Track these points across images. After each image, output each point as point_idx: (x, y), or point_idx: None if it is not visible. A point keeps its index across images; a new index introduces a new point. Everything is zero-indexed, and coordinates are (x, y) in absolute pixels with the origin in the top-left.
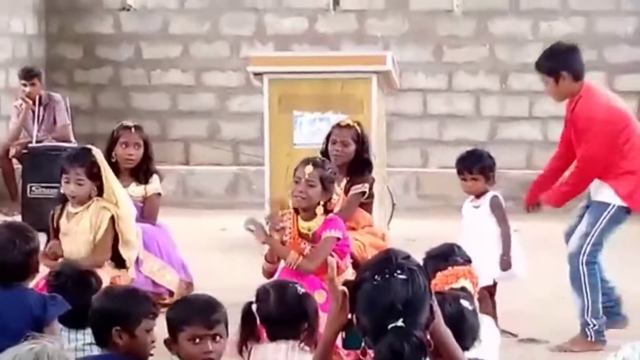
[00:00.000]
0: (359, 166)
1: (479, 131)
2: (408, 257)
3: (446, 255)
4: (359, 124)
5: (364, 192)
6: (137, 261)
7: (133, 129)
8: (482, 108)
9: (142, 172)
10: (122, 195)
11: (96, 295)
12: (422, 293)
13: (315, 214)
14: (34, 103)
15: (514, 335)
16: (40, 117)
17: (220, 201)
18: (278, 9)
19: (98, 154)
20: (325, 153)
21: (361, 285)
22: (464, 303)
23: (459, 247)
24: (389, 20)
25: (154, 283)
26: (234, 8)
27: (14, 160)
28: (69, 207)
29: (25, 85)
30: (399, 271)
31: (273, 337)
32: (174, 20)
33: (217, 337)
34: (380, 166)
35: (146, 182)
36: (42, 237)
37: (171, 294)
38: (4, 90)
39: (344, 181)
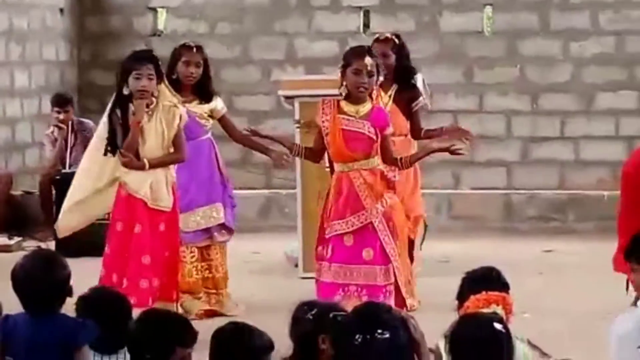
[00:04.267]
0: (402, 74)
1: (511, 152)
2: (389, 310)
3: (482, 280)
4: (397, 35)
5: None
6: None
7: (195, 49)
8: (513, 129)
9: (203, 90)
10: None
11: (133, 320)
12: (403, 350)
13: (366, 99)
14: (67, 129)
15: (548, 356)
16: (72, 144)
17: (252, 224)
18: (308, 32)
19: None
20: None
21: (342, 340)
22: (497, 326)
23: (498, 272)
24: (419, 42)
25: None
26: (264, 32)
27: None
28: (133, 107)
29: (59, 112)
30: (380, 329)
31: None
32: (204, 45)
33: None
34: None
35: (208, 101)
36: (75, 263)
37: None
38: (37, 117)
39: (393, 89)
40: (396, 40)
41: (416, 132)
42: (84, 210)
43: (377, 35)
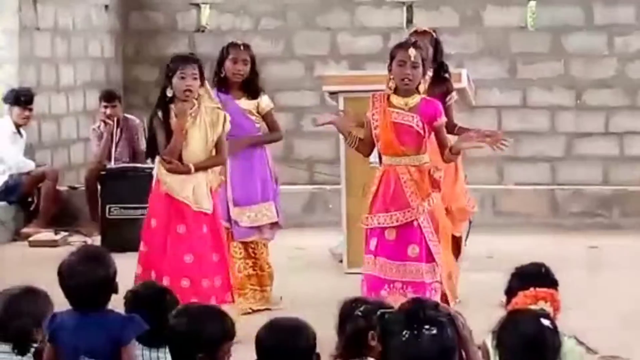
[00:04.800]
0: (437, 68)
1: (555, 147)
2: (437, 306)
3: (531, 276)
4: (433, 29)
5: (455, 100)
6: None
7: (242, 47)
8: (557, 124)
9: (250, 87)
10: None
11: (176, 316)
12: (451, 346)
13: (414, 92)
14: (113, 125)
15: (595, 352)
16: (117, 139)
17: (296, 220)
18: (351, 27)
19: None
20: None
21: (389, 337)
22: (544, 322)
23: (547, 269)
24: (463, 37)
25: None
26: (308, 28)
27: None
28: (175, 110)
29: (106, 107)
30: (427, 325)
31: None
32: (248, 41)
33: None
34: None
35: (255, 97)
36: (119, 258)
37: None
38: (82, 113)
39: (427, 82)
40: (433, 34)
41: (449, 126)
42: None
43: (414, 28)
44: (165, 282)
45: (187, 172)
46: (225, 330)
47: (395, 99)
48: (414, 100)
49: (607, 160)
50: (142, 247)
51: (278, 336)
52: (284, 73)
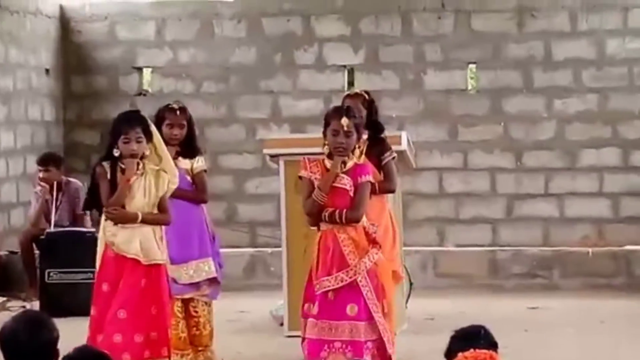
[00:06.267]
0: (372, 129)
1: (495, 209)
2: None
3: (471, 338)
4: (366, 91)
5: (393, 157)
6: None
7: (178, 112)
8: (498, 186)
9: (187, 148)
10: (169, 161)
11: None
12: None
13: (349, 157)
14: (51, 188)
15: None
16: (58, 202)
17: (238, 283)
18: (293, 91)
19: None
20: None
21: None
22: None
23: (486, 331)
24: (404, 100)
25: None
26: (250, 91)
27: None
28: (123, 164)
29: (40, 171)
30: None
31: None
32: (190, 105)
33: None
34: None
35: (192, 157)
36: (59, 323)
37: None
38: (22, 177)
39: (364, 143)
40: (366, 96)
41: (382, 184)
42: None
43: (347, 92)
44: (100, 339)
45: (134, 218)
46: None
47: (330, 164)
48: (348, 165)
49: (547, 221)
50: (92, 311)
51: None
52: (226, 136)
